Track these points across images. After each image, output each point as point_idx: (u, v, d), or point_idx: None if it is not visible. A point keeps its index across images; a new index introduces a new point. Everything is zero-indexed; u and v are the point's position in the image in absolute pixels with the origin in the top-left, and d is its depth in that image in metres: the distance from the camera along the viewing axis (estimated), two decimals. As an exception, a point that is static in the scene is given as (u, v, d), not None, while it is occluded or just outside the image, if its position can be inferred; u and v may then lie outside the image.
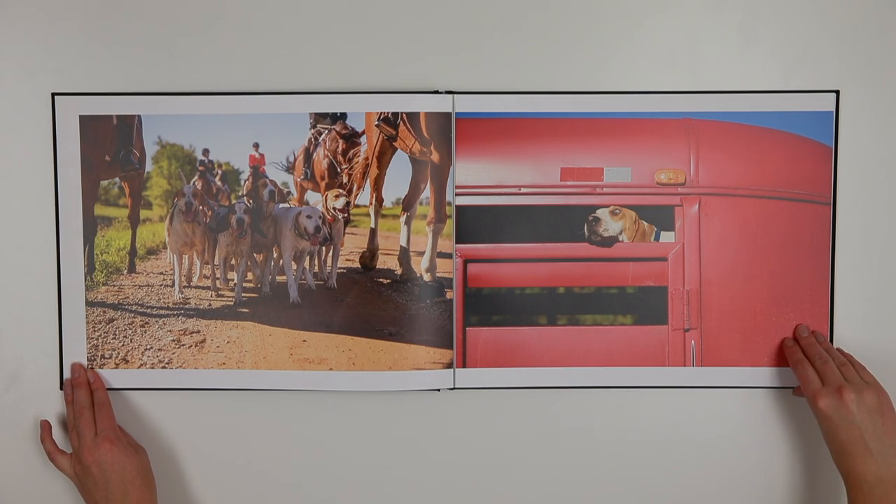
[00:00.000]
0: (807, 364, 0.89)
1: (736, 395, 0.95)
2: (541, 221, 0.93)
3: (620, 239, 0.93)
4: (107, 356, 0.94)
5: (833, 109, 0.92)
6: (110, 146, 0.93)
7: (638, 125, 0.92)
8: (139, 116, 0.93)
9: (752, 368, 0.94)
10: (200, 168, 0.94)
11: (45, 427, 0.93)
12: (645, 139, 0.92)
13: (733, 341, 0.93)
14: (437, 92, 0.92)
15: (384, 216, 0.94)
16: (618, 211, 0.93)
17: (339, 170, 0.94)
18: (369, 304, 0.94)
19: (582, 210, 0.93)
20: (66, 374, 0.94)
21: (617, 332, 0.94)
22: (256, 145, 0.93)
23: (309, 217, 0.95)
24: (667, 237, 0.93)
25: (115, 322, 0.94)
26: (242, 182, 0.94)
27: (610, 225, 0.93)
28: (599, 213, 0.93)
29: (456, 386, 0.94)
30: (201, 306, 0.95)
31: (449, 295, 0.93)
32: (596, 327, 0.94)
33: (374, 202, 0.94)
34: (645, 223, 0.93)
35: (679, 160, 0.92)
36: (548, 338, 0.94)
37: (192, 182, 0.94)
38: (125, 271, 0.95)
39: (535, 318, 0.94)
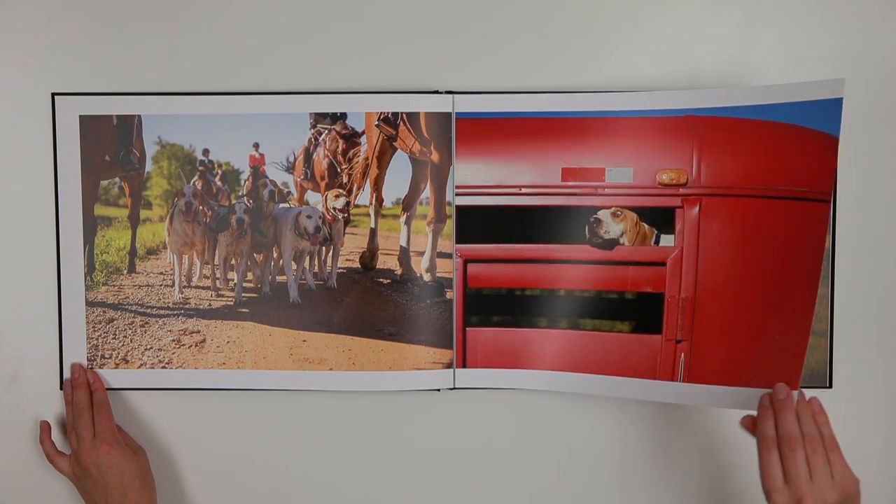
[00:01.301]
0: (773, 450, 0.78)
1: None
2: (541, 222, 0.92)
3: (621, 242, 0.91)
4: (107, 356, 0.94)
5: (842, 96, 0.84)
6: (110, 146, 0.93)
7: (639, 123, 0.90)
8: (139, 116, 0.93)
9: (738, 389, 0.87)
10: (200, 168, 0.94)
11: (45, 428, 0.93)
12: (646, 138, 0.90)
13: (722, 357, 0.88)
14: (437, 92, 0.92)
15: (384, 216, 0.94)
16: (619, 212, 0.91)
17: (339, 170, 0.94)
18: (369, 304, 0.94)
19: (583, 211, 0.92)
20: (66, 375, 0.94)
21: (614, 340, 0.91)
22: (256, 145, 0.93)
23: (309, 217, 0.94)
24: (667, 241, 0.91)
25: (115, 322, 0.94)
26: (242, 182, 0.94)
27: (611, 227, 0.91)
28: (601, 214, 0.91)
29: (456, 386, 0.94)
30: (201, 306, 0.95)
31: (449, 295, 0.93)
32: (594, 332, 0.92)
33: (374, 202, 0.94)
34: (646, 225, 0.91)
35: (681, 160, 0.90)
36: (548, 341, 0.93)
37: (192, 182, 0.94)
38: (125, 271, 0.95)
39: (536, 319, 0.93)
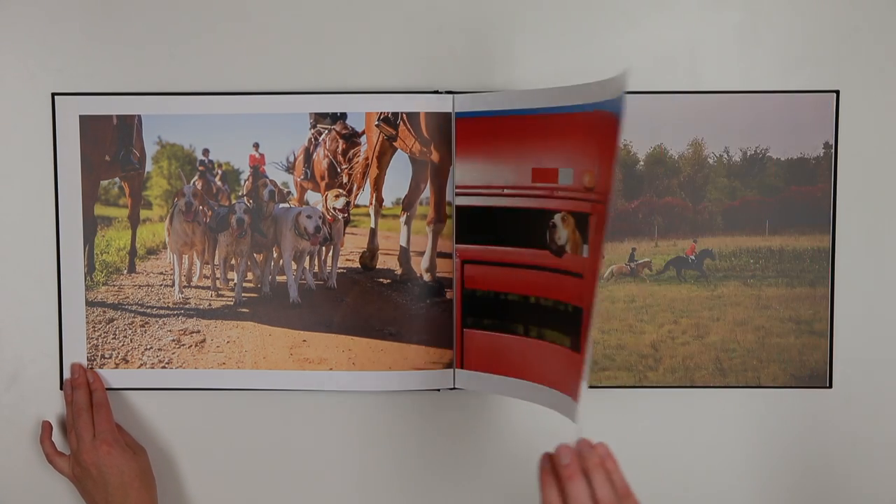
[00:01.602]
0: None
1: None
2: (520, 224, 0.87)
3: (567, 249, 0.83)
4: (107, 356, 0.94)
5: (621, 94, 0.71)
6: (110, 146, 0.93)
7: (572, 119, 0.81)
8: (139, 116, 0.93)
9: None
10: (200, 168, 0.94)
11: (46, 428, 0.93)
12: (576, 136, 0.81)
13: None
14: (437, 92, 0.92)
15: (384, 216, 0.94)
16: (565, 217, 0.83)
17: (339, 170, 0.94)
18: (369, 304, 0.94)
19: (547, 214, 0.85)
20: (66, 375, 0.94)
21: (560, 354, 0.83)
22: (256, 145, 0.93)
23: (309, 217, 0.94)
24: (586, 251, 0.80)
25: (115, 322, 0.94)
26: (242, 182, 0.94)
27: (562, 233, 0.83)
28: (556, 218, 0.84)
29: (456, 386, 0.94)
30: (201, 306, 0.95)
31: (449, 295, 0.93)
32: (552, 345, 0.84)
33: (374, 202, 0.94)
34: (578, 233, 0.81)
35: (593, 160, 0.79)
36: (523, 348, 0.87)
37: (192, 182, 0.94)
38: (125, 271, 0.95)
39: (514, 326, 0.88)
